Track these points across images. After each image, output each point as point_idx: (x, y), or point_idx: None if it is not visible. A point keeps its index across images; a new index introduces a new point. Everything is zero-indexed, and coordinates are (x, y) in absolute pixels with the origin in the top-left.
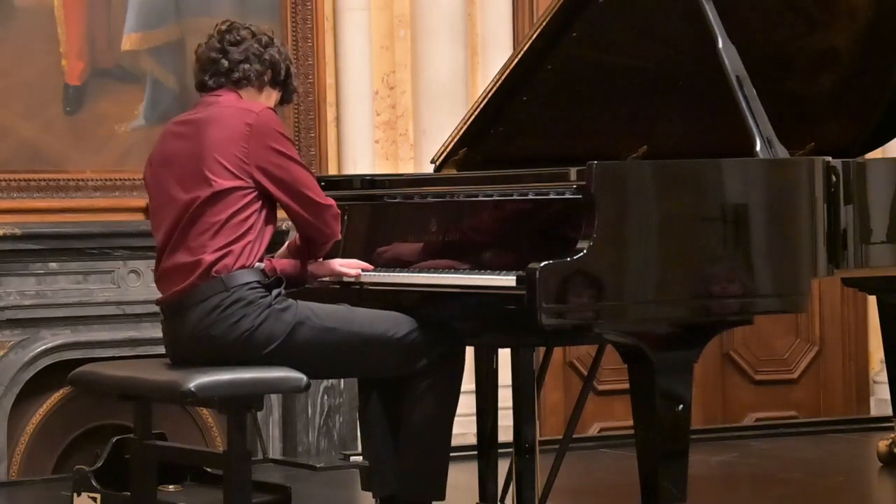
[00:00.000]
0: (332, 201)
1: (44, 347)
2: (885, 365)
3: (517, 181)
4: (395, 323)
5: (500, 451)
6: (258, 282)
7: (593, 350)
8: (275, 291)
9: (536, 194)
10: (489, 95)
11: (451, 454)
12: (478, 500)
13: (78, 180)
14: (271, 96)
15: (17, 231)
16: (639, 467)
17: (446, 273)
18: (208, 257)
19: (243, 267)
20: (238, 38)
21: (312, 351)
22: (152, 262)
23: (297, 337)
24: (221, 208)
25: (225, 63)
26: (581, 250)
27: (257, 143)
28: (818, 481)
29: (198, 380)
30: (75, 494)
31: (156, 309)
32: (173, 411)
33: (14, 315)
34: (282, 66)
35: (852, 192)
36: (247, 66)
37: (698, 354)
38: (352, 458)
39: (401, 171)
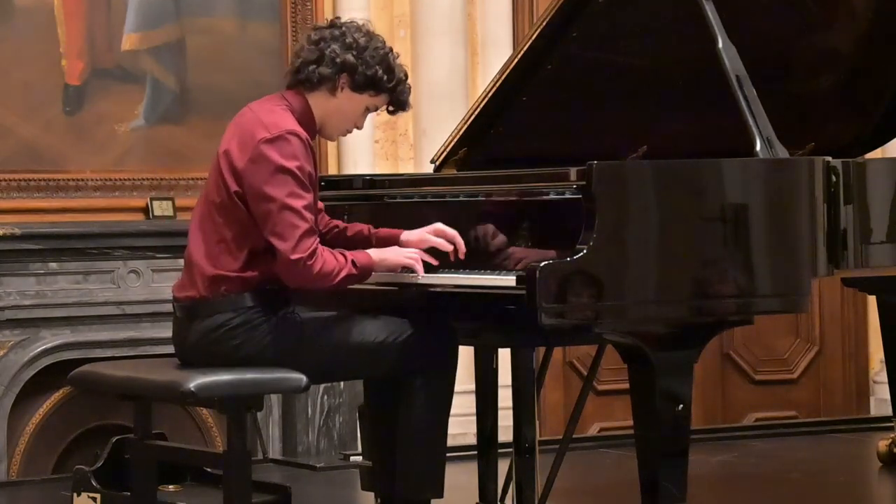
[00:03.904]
0: (302, 253)
1: (44, 347)
2: (885, 365)
3: (517, 181)
4: (393, 328)
5: (500, 451)
6: (266, 304)
7: (593, 350)
8: (281, 312)
9: (536, 194)
10: (489, 95)
11: (451, 454)
12: (478, 500)
13: (78, 180)
14: (357, 101)
15: (17, 231)
16: (639, 467)
17: (446, 273)
18: (222, 273)
19: (253, 288)
20: (318, 37)
21: (313, 364)
22: (152, 262)
23: (298, 356)
24: (231, 220)
25: (297, 62)
26: (581, 250)
27: (252, 170)
28: (818, 481)
29: (198, 380)
30: (75, 494)
31: (155, 309)
32: (173, 411)
33: (14, 315)
34: (363, 71)
35: (852, 192)
36: (312, 67)
37: (698, 354)
38: (352, 458)
39: (401, 171)
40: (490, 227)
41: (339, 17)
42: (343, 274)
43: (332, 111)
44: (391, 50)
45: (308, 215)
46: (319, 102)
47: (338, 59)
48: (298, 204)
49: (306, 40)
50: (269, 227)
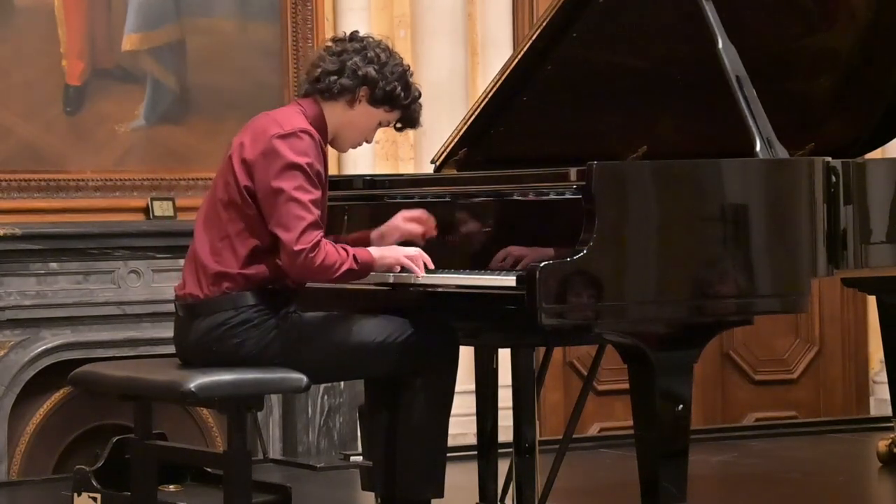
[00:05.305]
0: (305, 244)
1: (44, 347)
2: (884, 365)
3: (517, 181)
4: (394, 328)
5: (500, 451)
6: (267, 303)
7: (593, 350)
8: (282, 312)
9: (536, 194)
10: (489, 95)
11: (451, 454)
12: (478, 500)
13: (78, 180)
14: (372, 115)
15: (17, 231)
16: (639, 467)
17: (446, 273)
18: (225, 270)
19: (255, 286)
20: (340, 48)
21: (314, 364)
22: (152, 262)
23: (299, 356)
24: (237, 216)
25: (317, 71)
26: (581, 250)
27: (263, 164)
28: (818, 481)
29: (198, 380)
30: (76, 494)
31: (155, 309)
32: (173, 411)
33: (14, 315)
34: (383, 86)
35: (852, 192)
36: (333, 77)
37: (698, 354)
38: (352, 458)
39: (401, 171)
40: (490, 227)
41: (357, 31)
42: (344, 268)
43: (346, 123)
44: (408, 68)
45: (314, 209)
46: (335, 113)
47: (359, 72)
48: (305, 197)
49: (326, 51)
50: (274, 219)
